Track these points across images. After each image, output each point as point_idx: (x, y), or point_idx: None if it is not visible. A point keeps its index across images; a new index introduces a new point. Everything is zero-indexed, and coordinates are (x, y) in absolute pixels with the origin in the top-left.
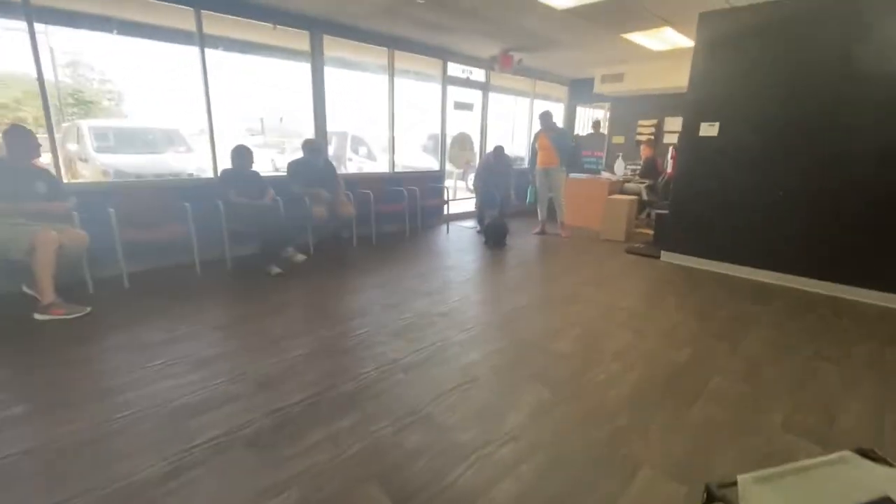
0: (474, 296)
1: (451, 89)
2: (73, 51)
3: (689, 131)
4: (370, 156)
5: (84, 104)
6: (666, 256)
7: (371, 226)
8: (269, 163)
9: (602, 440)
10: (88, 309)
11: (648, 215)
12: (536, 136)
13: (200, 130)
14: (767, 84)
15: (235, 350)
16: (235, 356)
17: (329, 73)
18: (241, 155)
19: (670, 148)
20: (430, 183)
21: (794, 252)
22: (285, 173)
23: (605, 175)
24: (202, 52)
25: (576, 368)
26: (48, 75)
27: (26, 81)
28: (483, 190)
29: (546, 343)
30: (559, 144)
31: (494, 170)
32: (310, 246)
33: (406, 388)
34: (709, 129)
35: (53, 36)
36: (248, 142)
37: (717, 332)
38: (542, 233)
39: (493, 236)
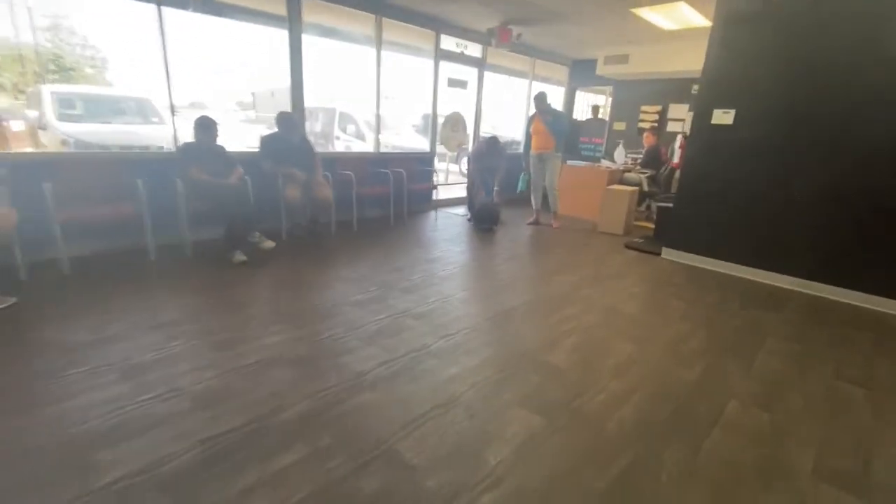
0: (459, 294)
1: (444, 66)
2: (54, 13)
3: (700, 118)
4: (359, 134)
5: (65, 70)
6: (667, 254)
7: (352, 210)
8: (258, 139)
9: (602, 492)
10: (13, 300)
11: (648, 207)
12: (531, 119)
13: (190, 104)
14: (791, 68)
15: (176, 356)
16: (174, 363)
17: (313, 42)
18: (205, 127)
19: (678, 136)
20: (419, 165)
21: (809, 255)
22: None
23: (605, 163)
24: (159, 11)
25: (571, 387)
26: (27, 39)
27: (5, 47)
28: (475, 177)
29: (537, 354)
30: (555, 128)
31: (486, 161)
32: (282, 231)
33: (370, 412)
34: (723, 117)
35: None
36: (239, 117)
37: (728, 345)
38: (536, 223)
39: (483, 218)
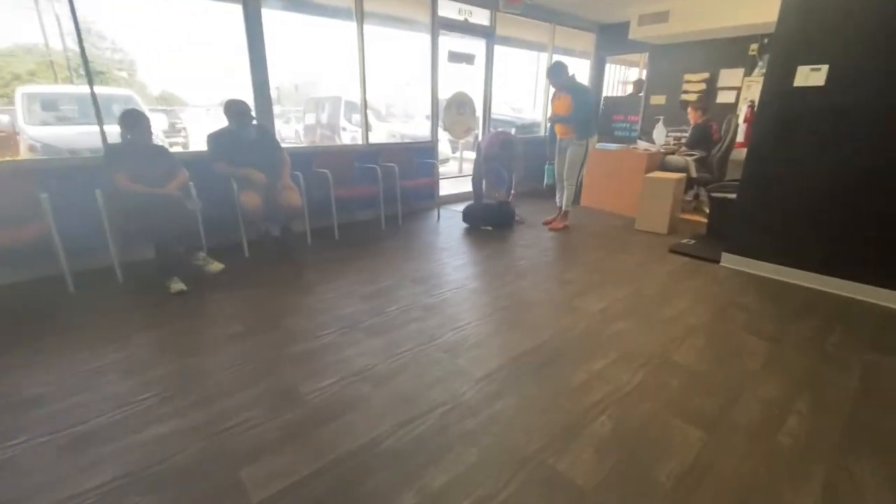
0: (443, 338)
1: (445, 39)
2: (83, 19)
3: (775, 80)
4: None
5: (95, 74)
6: (728, 261)
7: (332, 215)
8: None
9: None
10: None
11: (697, 197)
12: (551, 99)
13: (220, 102)
14: None
15: (32, 455)
16: (28, 465)
17: (285, 19)
18: (133, 123)
19: (744, 107)
20: (418, 157)
21: None
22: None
23: (642, 145)
24: None
25: None
26: (56, 44)
27: (38, 53)
28: (486, 173)
29: (547, 458)
30: (578, 106)
31: (500, 160)
32: (243, 246)
33: None
34: (810, 76)
35: (59, 3)
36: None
37: (856, 427)
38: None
39: (478, 217)
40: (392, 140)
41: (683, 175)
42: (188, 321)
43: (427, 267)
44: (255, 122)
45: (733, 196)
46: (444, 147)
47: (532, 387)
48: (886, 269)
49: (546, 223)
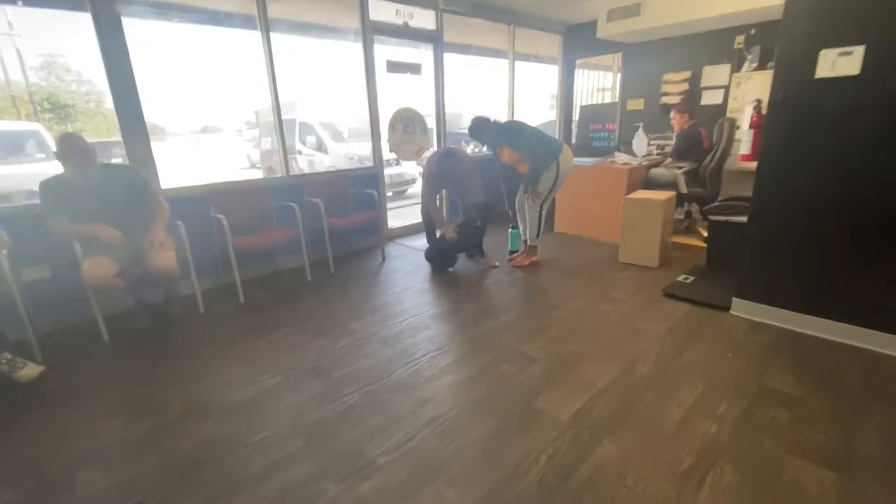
0: (328, 495)
1: (385, 47)
2: (47, 52)
3: (788, 72)
4: (320, 145)
5: (61, 108)
6: (742, 308)
7: (232, 271)
8: (245, 159)
9: None
10: None
11: (689, 215)
12: (497, 154)
13: (203, 128)
14: None
15: None
16: None
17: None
18: (68, 151)
19: (749, 108)
20: (355, 188)
21: None
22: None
23: (621, 158)
24: None
25: None
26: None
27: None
28: (432, 204)
29: None
30: (524, 151)
31: (451, 181)
32: (100, 326)
33: None
34: (838, 63)
35: (21, 37)
36: (244, 137)
37: None
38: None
39: (442, 259)
40: (350, 164)
41: (673, 194)
42: None
43: (337, 345)
44: (103, 161)
45: (737, 219)
46: (409, 167)
47: None
48: None
49: (511, 258)
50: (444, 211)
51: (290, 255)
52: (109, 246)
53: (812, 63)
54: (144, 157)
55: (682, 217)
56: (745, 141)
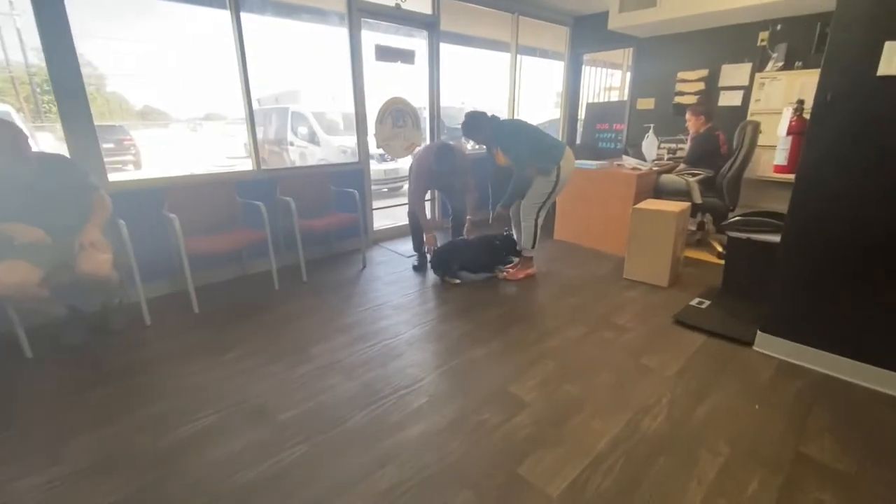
0: None
1: (376, 34)
2: (48, 33)
3: (841, 69)
4: (312, 137)
5: None
6: (767, 344)
7: (188, 278)
8: (242, 148)
9: None
10: None
11: (703, 226)
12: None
13: (206, 115)
14: None
15: None
16: None
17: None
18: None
19: (787, 112)
20: (338, 184)
21: None
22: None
23: (629, 161)
24: None
25: None
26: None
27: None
28: (420, 203)
29: None
30: (513, 156)
31: (444, 181)
32: (21, 341)
33: None
34: None
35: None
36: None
37: None
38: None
39: (441, 265)
40: (343, 158)
41: (687, 206)
42: None
43: (292, 375)
44: (39, 151)
45: (761, 237)
46: (405, 162)
47: None
48: None
49: (502, 271)
50: (436, 212)
51: (260, 258)
52: (33, 248)
53: (873, 57)
54: (89, 145)
55: (694, 228)
56: (780, 150)
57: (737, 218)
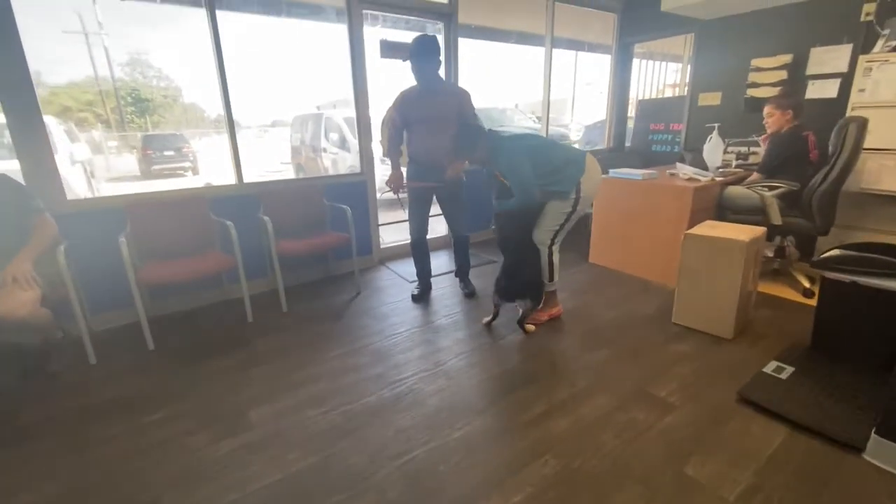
0: None
1: (383, 29)
2: (135, 49)
3: None
4: (342, 143)
5: (141, 101)
6: (889, 455)
7: (140, 310)
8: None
9: None
10: None
11: (781, 252)
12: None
13: (273, 122)
14: None
15: None
16: None
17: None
18: None
19: None
20: (336, 199)
21: None
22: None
23: (684, 170)
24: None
25: None
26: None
27: (87, 84)
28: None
29: None
30: (513, 182)
31: (422, 104)
32: None
33: None
34: None
35: (109, 36)
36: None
37: None
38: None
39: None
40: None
41: (761, 231)
42: None
43: (214, 452)
44: None
45: (875, 283)
46: None
47: None
48: None
49: (521, 320)
50: None
51: (248, 281)
52: None
53: None
54: (40, 158)
55: (770, 254)
56: None
57: (835, 252)
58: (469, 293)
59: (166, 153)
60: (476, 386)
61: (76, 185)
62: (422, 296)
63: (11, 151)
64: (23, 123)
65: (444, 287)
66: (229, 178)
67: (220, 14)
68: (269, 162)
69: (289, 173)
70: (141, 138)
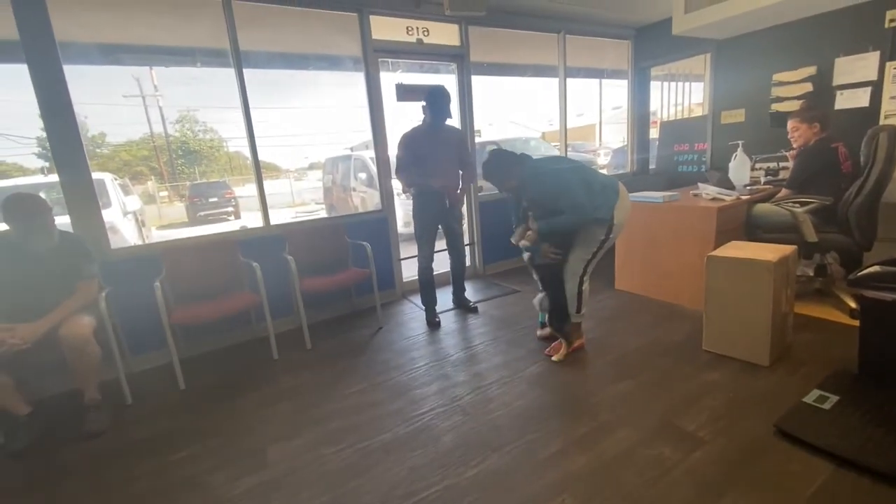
0: None
1: (400, 74)
2: (185, 107)
3: None
4: (371, 182)
5: (191, 153)
6: None
7: (174, 355)
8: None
9: None
10: None
11: (822, 271)
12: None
13: (310, 165)
14: None
15: None
16: None
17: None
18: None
19: None
20: (358, 237)
21: None
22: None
23: (706, 189)
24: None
25: None
26: (158, 130)
27: (143, 141)
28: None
29: None
30: (564, 205)
31: (433, 142)
32: None
33: None
34: None
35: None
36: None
37: None
38: (546, 340)
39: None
40: (397, 200)
41: (791, 249)
42: None
43: (231, 492)
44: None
45: None
46: None
47: None
48: None
49: (547, 350)
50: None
51: (274, 319)
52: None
53: None
54: (88, 212)
55: (811, 273)
56: None
57: (874, 268)
58: (473, 308)
59: (211, 199)
60: (492, 421)
61: (128, 234)
62: (434, 320)
63: (64, 207)
64: (73, 181)
65: (461, 320)
66: (258, 222)
67: (247, 72)
68: (305, 203)
69: (322, 213)
70: (189, 187)
